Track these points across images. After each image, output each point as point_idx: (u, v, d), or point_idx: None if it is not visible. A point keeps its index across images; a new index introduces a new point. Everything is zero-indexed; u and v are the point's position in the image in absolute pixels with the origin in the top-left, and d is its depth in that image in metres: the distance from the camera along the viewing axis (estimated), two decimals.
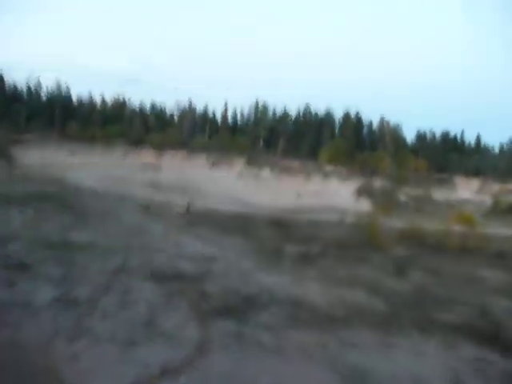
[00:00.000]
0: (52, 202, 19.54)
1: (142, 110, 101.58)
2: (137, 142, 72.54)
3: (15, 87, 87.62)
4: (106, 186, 31.94)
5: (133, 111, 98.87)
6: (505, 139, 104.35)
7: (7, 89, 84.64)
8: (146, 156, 63.41)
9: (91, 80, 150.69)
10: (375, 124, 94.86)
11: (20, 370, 5.39)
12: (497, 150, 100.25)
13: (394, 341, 7.92)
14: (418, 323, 9.15)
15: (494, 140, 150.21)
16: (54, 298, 7.90)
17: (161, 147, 67.70)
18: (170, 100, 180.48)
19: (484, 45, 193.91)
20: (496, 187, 68.11)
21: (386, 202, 36.06)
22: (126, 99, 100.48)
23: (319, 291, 10.64)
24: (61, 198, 21.15)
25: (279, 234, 19.99)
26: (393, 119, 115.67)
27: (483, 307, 10.47)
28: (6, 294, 7.71)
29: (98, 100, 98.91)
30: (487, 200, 53.18)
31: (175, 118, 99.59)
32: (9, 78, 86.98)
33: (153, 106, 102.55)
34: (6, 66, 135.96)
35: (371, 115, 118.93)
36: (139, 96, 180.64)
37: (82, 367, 5.54)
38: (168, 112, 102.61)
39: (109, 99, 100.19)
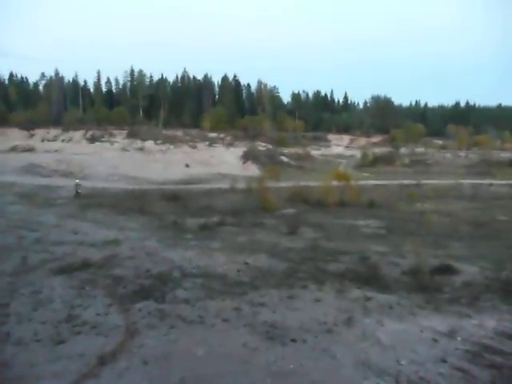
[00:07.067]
0: None
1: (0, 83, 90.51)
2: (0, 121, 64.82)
3: None
4: None
5: None
6: (367, 96, 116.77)
7: None
8: (15, 136, 57.10)
9: None
10: (253, 87, 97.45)
11: None
12: (361, 107, 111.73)
13: (296, 293, 9.10)
14: (312, 275, 10.54)
15: (358, 97, 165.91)
16: None
17: (30, 125, 61.41)
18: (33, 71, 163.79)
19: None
20: (363, 141, 75.87)
21: (271, 165, 38.09)
22: None
23: (225, 260, 11.50)
24: None
25: (176, 208, 20.40)
26: (269, 81, 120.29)
27: (363, 254, 12.34)
28: None
29: None
30: (356, 153, 59.04)
31: (41, 90, 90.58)
32: None
33: (11, 78, 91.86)
34: None
35: (248, 78, 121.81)
36: None
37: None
38: (31, 84, 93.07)
39: None
